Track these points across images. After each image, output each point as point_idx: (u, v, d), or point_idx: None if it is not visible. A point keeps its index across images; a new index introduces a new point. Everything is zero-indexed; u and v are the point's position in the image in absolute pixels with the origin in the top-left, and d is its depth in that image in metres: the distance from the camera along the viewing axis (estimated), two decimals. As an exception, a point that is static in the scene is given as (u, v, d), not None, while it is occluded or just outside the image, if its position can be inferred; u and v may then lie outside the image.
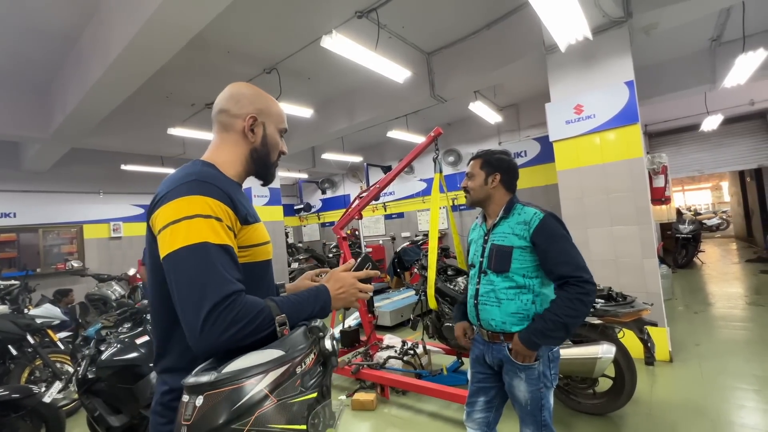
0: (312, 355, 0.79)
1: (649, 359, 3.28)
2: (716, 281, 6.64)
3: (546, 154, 6.88)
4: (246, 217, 0.95)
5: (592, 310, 2.48)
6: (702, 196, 22.00)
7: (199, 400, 0.68)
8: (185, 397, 0.71)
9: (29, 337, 3.36)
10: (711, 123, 7.60)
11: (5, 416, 2.33)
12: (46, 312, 3.91)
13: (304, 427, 0.72)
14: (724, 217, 15.13)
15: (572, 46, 3.46)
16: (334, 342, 0.85)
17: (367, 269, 1.06)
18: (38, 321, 3.58)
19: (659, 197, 4.67)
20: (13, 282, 4.50)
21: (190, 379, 0.72)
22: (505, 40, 4.42)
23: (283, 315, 0.83)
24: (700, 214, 15.02)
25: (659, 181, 4.67)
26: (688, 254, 8.28)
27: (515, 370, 1.61)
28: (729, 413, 2.58)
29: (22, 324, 3.38)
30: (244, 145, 1.05)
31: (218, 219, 0.85)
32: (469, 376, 1.85)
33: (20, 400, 2.36)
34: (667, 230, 8.97)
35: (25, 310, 3.85)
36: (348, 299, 0.99)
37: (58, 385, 2.82)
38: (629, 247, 3.60)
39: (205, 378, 0.70)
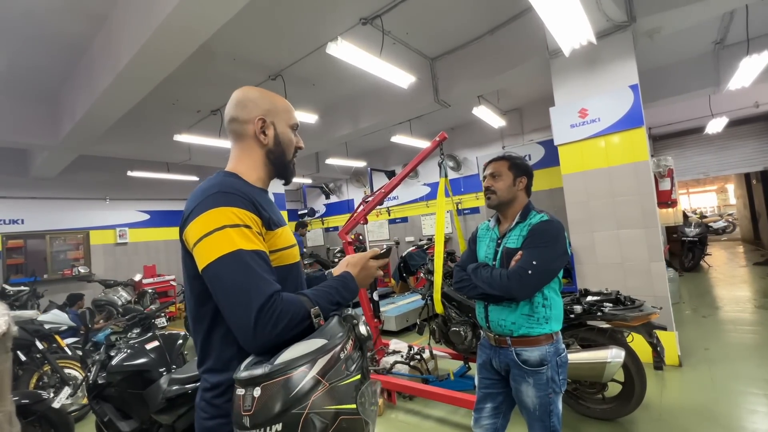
0: (350, 341, 0.84)
1: (659, 363, 3.26)
2: (724, 284, 6.58)
3: (550, 157, 6.86)
4: (269, 222, 0.97)
5: (599, 314, 2.48)
6: (707, 199, 21.88)
7: (257, 391, 0.72)
8: (240, 391, 0.75)
9: (38, 343, 3.38)
10: (716, 125, 7.57)
11: (15, 422, 2.35)
12: (55, 318, 3.94)
13: (354, 405, 0.77)
14: (731, 219, 15.01)
15: (576, 50, 3.47)
16: (367, 327, 0.90)
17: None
18: (47, 327, 3.61)
19: (666, 200, 4.66)
20: (22, 288, 4.54)
21: (243, 374, 0.75)
22: (508, 45, 4.45)
23: (317, 307, 0.88)
24: (705, 217, 14.90)
25: (665, 185, 4.66)
26: (694, 257, 8.21)
27: (523, 375, 1.60)
28: (740, 418, 2.55)
29: (31, 330, 3.40)
30: (259, 149, 1.07)
31: (247, 226, 0.89)
32: (476, 382, 1.84)
33: (30, 406, 2.37)
34: (672, 233, 8.90)
35: (34, 316, 3.87)
36: (370, 275, 1.11)
37: (66, 390, 2.84)
38: (636, 251, 3.58)
39: (259, 371, 0.74)
